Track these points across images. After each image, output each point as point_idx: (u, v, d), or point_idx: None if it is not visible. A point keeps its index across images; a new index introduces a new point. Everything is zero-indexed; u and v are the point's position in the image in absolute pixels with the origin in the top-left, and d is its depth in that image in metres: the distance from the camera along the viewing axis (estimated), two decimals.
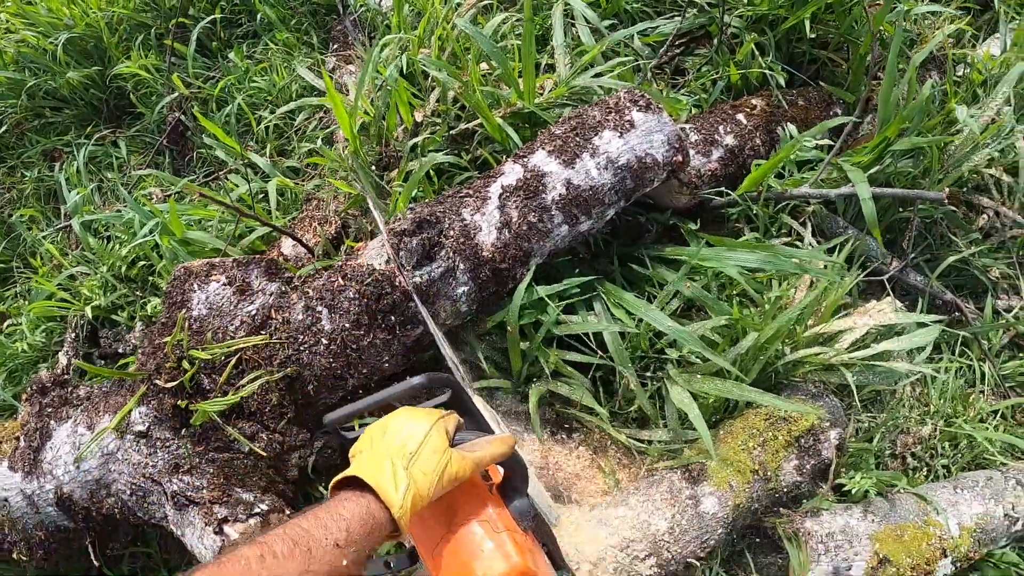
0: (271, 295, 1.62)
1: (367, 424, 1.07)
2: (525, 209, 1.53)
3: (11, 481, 1.85)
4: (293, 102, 2.15)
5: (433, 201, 1.59)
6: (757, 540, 1.88)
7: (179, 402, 1.52)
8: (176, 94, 2.63)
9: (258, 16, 2.67)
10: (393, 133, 1.91)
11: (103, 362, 2.53)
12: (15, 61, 3.19)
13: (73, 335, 2.54)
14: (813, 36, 2.26)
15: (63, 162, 3.05)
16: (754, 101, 2.11)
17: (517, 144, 1.75)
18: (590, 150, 1.62)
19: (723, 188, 1.93)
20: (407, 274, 1.47)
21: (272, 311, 1.61)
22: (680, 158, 1.71)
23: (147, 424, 1.61)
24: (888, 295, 2.09)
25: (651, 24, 2.07)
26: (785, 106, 2.14)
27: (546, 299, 1.53)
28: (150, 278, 2.43)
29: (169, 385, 1.52)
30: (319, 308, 1.57)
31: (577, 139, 1.62)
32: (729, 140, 1.96)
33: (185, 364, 1.54)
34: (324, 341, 1.55)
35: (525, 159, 1.61)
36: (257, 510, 1.55)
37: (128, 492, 1.66)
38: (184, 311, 1.64)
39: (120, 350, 2.42)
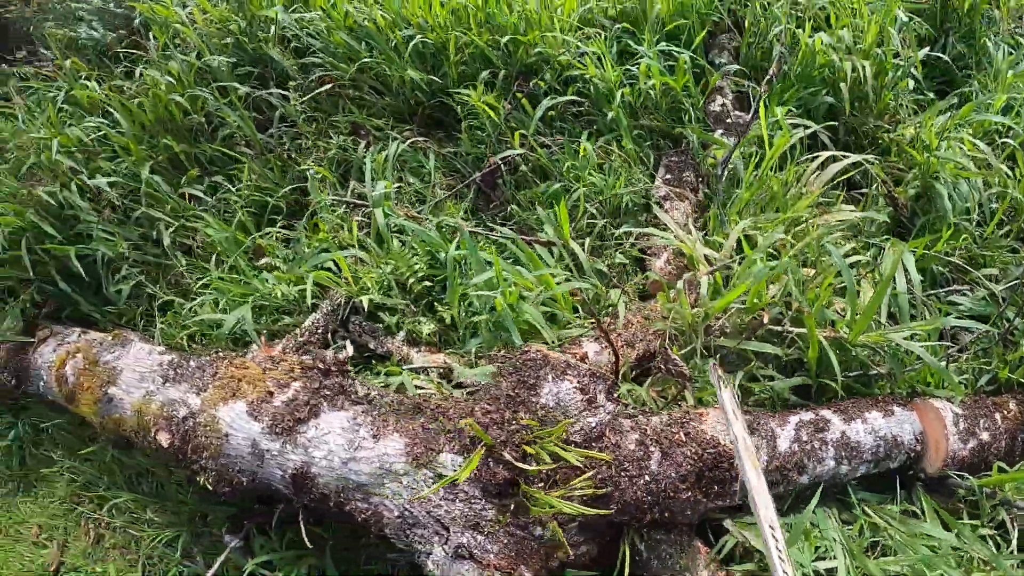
0: (609, 415, 1.93)
1: None
2: (811, 436, 2.07)
3: (247, 425, 2.02)
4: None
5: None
6: None
7: (519, 484, 1.78)
8: (510, 151, 2.90)
9: (608, 115, 2.94)
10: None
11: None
12: (353, 30, 3.48)
13: (330, 308, 2.75)
14: None
15: (369, 143, 3.29)
16: (1011, 404, 2.37)
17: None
18: (862, 419, 2.16)
19: (965, 474, 2.21)
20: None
21: (607, 430, 1.91)
22: (919, 447, 2.18)
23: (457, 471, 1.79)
24: None
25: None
26: None
27: None
28: (430, 299, 2.66)
29: (519, 465, 1.79)
30: (652, 448, 1.88)
31: (855, 409, 2.19)
32: (984, 436, 2.23)
33: (529, 449, 1.82)
34: (646, 478, 1.85)
35: (815, 411, 2.17)
36: None
37: (396, 513, 1.84)
38: (532, 394, 1.93)
39: (372, 346, 2.63)
